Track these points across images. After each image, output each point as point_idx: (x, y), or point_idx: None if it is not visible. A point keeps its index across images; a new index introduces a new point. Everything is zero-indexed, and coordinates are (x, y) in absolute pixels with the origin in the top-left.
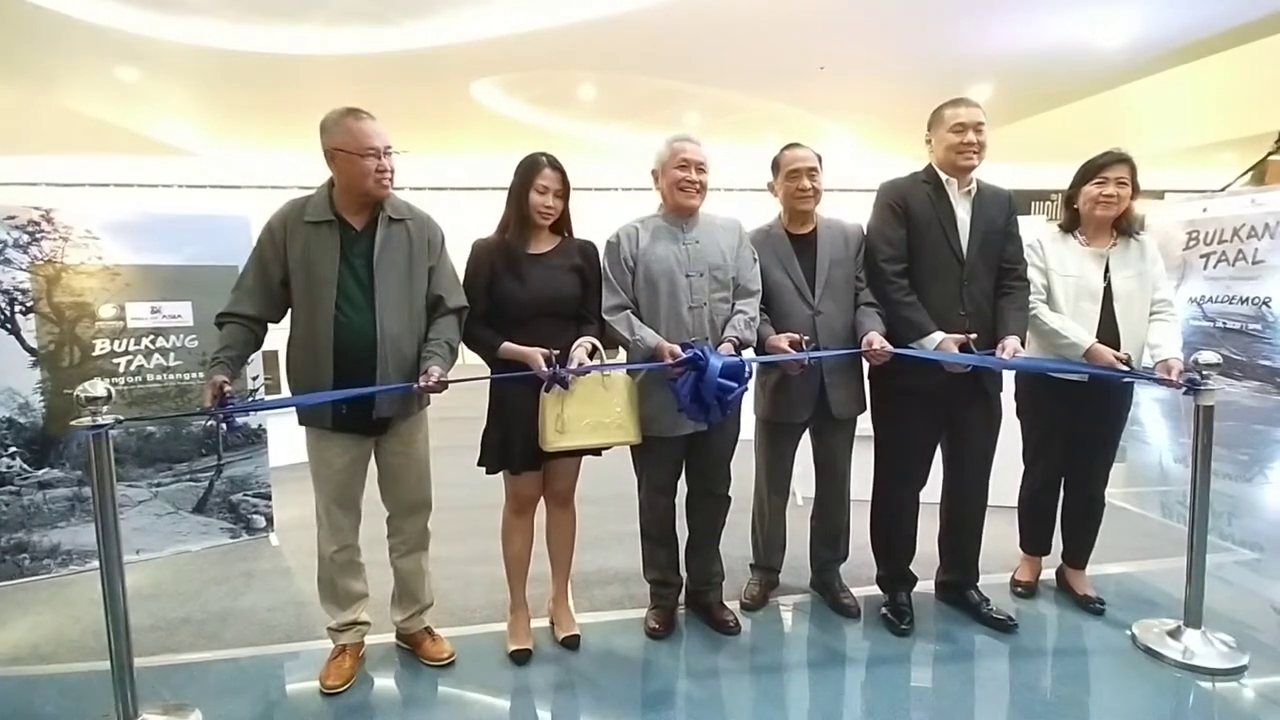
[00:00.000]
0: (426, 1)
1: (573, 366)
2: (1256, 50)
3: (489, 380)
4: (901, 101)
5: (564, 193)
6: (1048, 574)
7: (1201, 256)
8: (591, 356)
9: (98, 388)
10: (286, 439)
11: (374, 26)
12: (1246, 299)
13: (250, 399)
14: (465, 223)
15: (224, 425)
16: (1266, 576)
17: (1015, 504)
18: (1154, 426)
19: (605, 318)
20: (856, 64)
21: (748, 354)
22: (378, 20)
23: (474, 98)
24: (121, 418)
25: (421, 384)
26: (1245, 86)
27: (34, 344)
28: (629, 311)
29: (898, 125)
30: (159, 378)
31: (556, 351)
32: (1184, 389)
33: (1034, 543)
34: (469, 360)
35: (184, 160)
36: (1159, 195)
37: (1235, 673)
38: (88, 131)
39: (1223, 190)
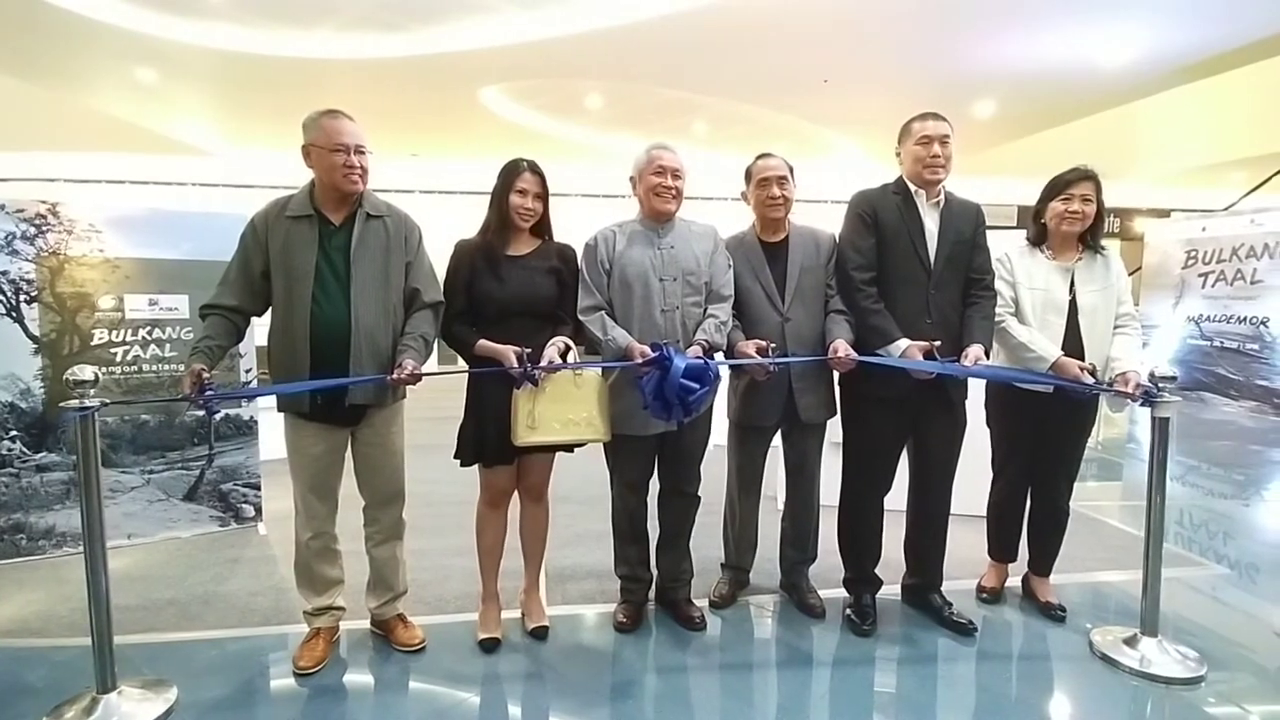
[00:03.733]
0: (437, 9)
1: (543, 364)
2: (1269, 68)
3: (466, 376)
4: (906, 115)
5: (543, 195)
6: (1014, 581)
7: (1200, 275)
8: (564, 356)
9: (85, 372)
10: (278, 433)
11: (386, 32)
12: (1244, 318)
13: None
14: (471, 226)
15: (204, 412)
16: (1251, 595)
17: (984, 512)
18: None
19: (580, 318)
20: (861, 78)
21: (717, 358)
22: (389, 26)
23: (483, 104)
24: (107, 400)
25: (395, 376)
26: (1256, 105)
27: (36, 332)
28: (603, 312)
29: None
30: (154, 368)
31: (529, 350)
32: (1140, 401)
33: (1000, 550)
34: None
35: (200, 159)
36: (1165, 214)
37: (1190, 683)
38: (106, 130)
39: (1225, 210)
